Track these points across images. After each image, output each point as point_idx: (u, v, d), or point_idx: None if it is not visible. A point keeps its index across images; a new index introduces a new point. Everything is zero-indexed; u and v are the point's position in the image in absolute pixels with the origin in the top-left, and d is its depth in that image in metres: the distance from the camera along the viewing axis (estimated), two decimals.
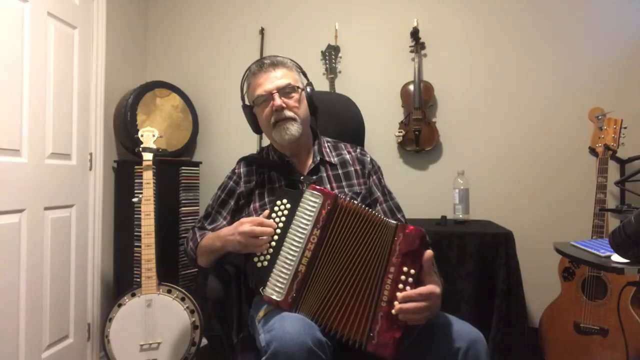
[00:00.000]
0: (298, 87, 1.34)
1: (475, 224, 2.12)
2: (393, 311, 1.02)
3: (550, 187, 2.29)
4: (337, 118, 1.67)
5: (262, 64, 1.34)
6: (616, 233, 0.96)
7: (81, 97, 2.18)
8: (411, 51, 2.40)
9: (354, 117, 1.72)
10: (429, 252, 1.06)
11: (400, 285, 1.04)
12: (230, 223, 1.35)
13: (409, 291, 1.03)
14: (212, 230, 1.35)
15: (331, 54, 2.48)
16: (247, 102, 1.42)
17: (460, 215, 2.10)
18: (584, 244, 1.23)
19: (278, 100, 1.28)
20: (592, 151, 2.19)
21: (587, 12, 2.26)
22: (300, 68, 1.40)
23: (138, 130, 2.08)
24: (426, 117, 2.36)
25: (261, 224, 1.12)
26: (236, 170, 1.41)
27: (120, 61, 2.51)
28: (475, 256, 1.87)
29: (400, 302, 1.02)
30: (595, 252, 1.12)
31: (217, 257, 1.28)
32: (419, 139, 2.35)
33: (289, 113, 1.30)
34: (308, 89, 1.36)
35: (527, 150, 2.32)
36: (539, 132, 2.31)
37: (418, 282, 1.05)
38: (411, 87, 2.38)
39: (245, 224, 1.13)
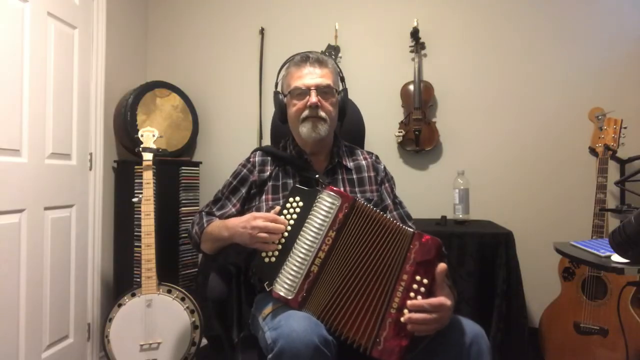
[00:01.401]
0: (336, 90, 1.35)
1: (475, 224, 2.12)
2: (402, 319, 1.01)
3: (550, 187, 2.29)
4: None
5: (308, 58, 1.35)
6: (616, 233, 0.96)
7: (81, 97, 2.18)
8: (411, 51, 2.40)
9: (354, 117, 1.72)
10: (442, 265, 1.05)
11: (412, 294, 1.04)
12: (239, 211, 1.35)
13: (420, 300, 1.02)
14: (220, 216, 1.35)
15: (331, 54, 2.48)
16: (279, 89, 1.42)
17: (460, 215, 2.10)
18: (584, 244, 1.23)
19: (314, 98, 1.29)
20: (592, 151, 2.19)
21: (587, 12, 2.26)
22: (341, 73, 1.42)
23: (138, 130, 2.08)
24: (426, 117, 2.36)
25: (275, 221, 1.11)
26: (251, 159, 1.40)
27: (120, 61, 2.51)
28: (475, 256, 1.87)
29: (410, 311, 1.01)
30: (595, 252, 1.12)
31: (222, 245, 1.27)
32: (419, 139, 2.35)
33: (321, 113, 1.30)
34: (342, 94, 1.37)
35: (527, 150, 2.32)
36: (539, 132, 2.31)
37: (430, 293, 1.04)
38: (411, 87, 2.38)
39: (259, 219, 1.12)
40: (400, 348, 1.00)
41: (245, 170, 1.39)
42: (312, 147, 1.37)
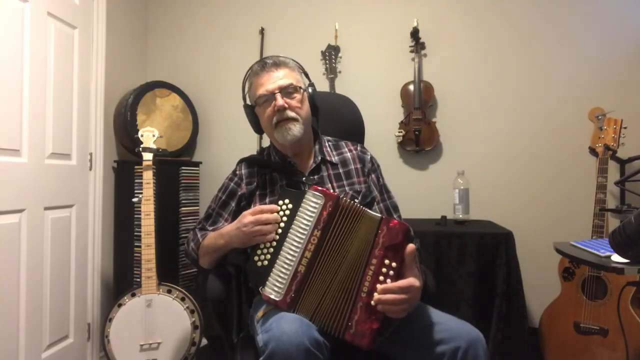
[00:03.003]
0: (300, 88, 1.33)
1: (475, 224, 2.11)
2: (372, 302, 1.03)
3: (550, 187, 2.29)
4: (337, 118, 1.67)
5: (265, 64, 1.34)
6: (616, 233, 0.96)
7: (81, 97, 2.18)
8: (411, 51, 2.40)
9: (354, 117, 1.72)
10: (410, 246, 1.07)
11: (381, 278, 1.05)
12: None
13: (389, 284, 1.04)
14: (214, 231, 1.35)
15: (331, 54, 2.48)
16: (248, 102, 1.41)
17: (460, 215, 2.10)
18: (584, 244, 1.23)
19: (280, 101, 1.28)
20: (592, 151, 2.18)
21: (587, 12, 2.26)
22: (302, 68, 1.40)
23: (138, 130, 2.08)
24: (426, 117, 2.36)
25: (262, 211, 1.13)
26: (237, 172, 1.40)
27: (120, 61, 2.51)
28: (475, 256, 1.87)
29: (379, 294, 1.02)
30: (595, 252, 1.12)
31: (220, 255, 1.28)
32: (419, 139, 2.35)
33: (291, 113, 1.29)
34: (310, 90, 1.36)
35: (527, 150, 2.32)
36: (539, 132, 2.31)
37: (399, 276, 1.06)
38: (411, 87, 2.38)
39: (248, 216, 1.14)
40: (371, 331, 1.02)
41: (232, 184, 1.39)
42: (293, 149, 1.36)
